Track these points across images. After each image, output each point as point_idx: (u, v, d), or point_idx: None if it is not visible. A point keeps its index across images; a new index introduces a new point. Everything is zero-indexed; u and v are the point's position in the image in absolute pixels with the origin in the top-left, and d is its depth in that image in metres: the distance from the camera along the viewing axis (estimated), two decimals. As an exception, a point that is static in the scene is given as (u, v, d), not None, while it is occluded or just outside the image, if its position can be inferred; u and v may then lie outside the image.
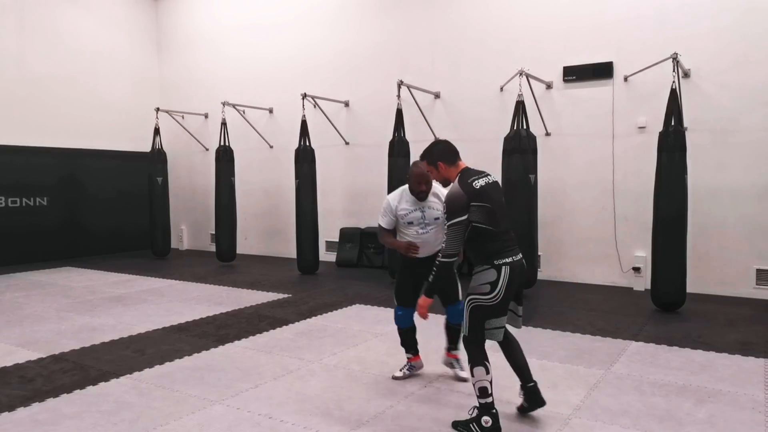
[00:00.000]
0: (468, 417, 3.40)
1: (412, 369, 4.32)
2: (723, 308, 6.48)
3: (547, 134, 8.14)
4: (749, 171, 6.98)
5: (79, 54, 11.17)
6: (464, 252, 3.47)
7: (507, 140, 7.10)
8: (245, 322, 5.96)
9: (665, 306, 6.32)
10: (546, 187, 7.79)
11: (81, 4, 11.22)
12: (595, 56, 7.80)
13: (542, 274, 8.10)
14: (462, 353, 3.95)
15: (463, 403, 3.80)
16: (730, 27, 7.01)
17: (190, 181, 12.20)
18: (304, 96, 9.02)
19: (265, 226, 11.05)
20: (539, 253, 8.00)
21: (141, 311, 6.52)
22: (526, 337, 5.33)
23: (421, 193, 4.02)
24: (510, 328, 3.56)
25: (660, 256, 6.27)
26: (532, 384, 3.51)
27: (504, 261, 3.28)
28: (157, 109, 10.89)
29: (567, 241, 8.17)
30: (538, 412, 3.63)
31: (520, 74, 7.22)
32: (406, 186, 4.12)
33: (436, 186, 4.04)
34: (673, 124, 6.24)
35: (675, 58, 6.41)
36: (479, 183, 3.38)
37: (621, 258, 7.75)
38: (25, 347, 5.12)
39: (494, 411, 3.29)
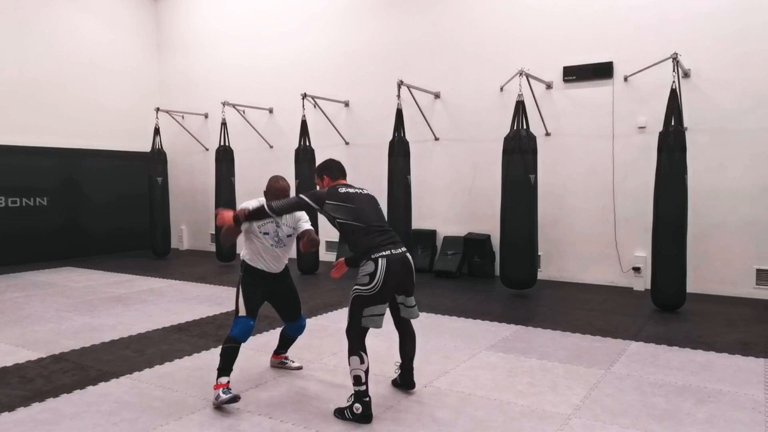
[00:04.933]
0: (346, 404, 3.57)
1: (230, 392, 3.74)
2: (723, 308, 6.48)
3: (547, 134, 8.14)
4: (749, 171, 6.98)
5: (79, 54, 11.17)
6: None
7: (507, 140, 7.10)
8: (245, 322, 5.95)
9: (665, 306, 6.32)
10: (546, 187, 7.79)
11: (81, 5, 11.22)
12: (595, 56, 7.80)
13: (542, 274, 8.10)
14: (289, 352, 4.50)
15: (463, 403, 3.81)
16: (730, 27, 7.01)
17: (190, 181, 12.20)
18: (304, 96, 9.02)
19: (265, 226, 11.03)
20: (539, 253, 8.00)
21: (141, 311, 6.51)
22: (526, 337, 5.34)
23: None
24: (414, 321, 3.95)
25: (660, 256, 6.27)
26: (408, 371, 3.95)
27: (381, 254, 3.53)
28: (157, 109, 10.89)
29: (567, 241, 8.16)
30: (538, 412, 3.64)
31: (520, 74, 7.22)
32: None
33: None
34: (673, 124, 6.24)
35: (675, 58, 6.41)
36: (343, 189, 3.75)
37: (621, 258, 7.75)
38: (25, 347, 5.12)
39: (366, 399, 3.47)
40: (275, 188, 4.01)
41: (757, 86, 6.89)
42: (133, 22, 12.14)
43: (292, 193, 4.31)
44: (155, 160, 10.88)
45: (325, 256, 10.04)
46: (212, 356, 4.83)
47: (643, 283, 7.44)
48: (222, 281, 8.34)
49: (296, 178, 8.99)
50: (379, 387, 4.09)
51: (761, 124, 6.89)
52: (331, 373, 4.40)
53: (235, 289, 4.01)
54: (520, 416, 3.60)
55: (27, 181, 10.27)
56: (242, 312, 3.88)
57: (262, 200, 3.95)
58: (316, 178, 4.06)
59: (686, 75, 7.18)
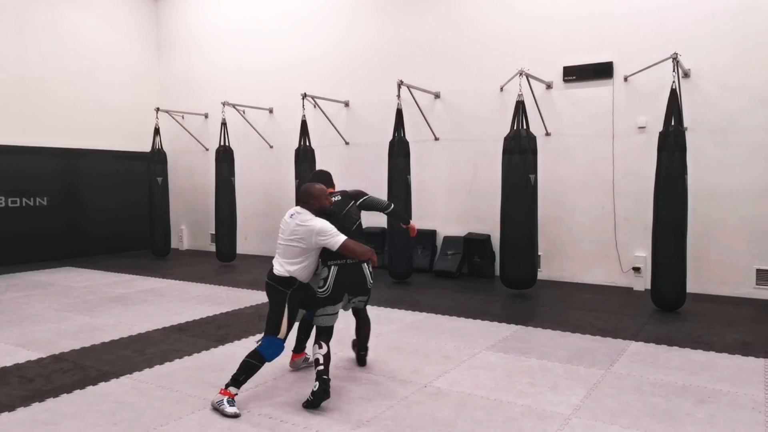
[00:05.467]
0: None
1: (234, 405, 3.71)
2: (723, 308, 6.48)
3: (547, 134, 8.13)
4: (749, 171, 6.98)
5: (79, 54, 11.17)
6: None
7: (507, 140, 7.10)
8: (245, 322, 5.96)
9: (665, 306, 6.32)
10: (546, 187, 7.79)
11: (81, 5, 11.21)
12: (595, 56, 7.80)
13: (542, 274, 8.09)
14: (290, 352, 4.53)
15: (463, 403, 3.81)
16: (730, 27, 7.01)
17: (190, 181, 12.20)
18: (304, 96, 9.02)
19: (265, 226, 11.04)
20: (539, 253, 8.01)
21: (141, 311, 6.51)
22: (526, 337, 5.35)
23: (329, 209, 4.05)
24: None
25: (660, 256, 6.27)
26: (363, 353, 4.54)
27: (335, 262, 4.00)
28: (157, 109, 10.89)
29: (567, 241, 8.16)
30: (538, 412, 3.65)
31: (520, 74, 7.22)
32: (306, 211, 3.93)
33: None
34: (673, 124, 6.24)
35: (675, 58, 6.41)
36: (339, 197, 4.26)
37: (621, 258, 7.75)
38: (25, 347, 5.12)
39: (325, 377, 3.78)
40: (315, 190, 3.97)
41: (757, 86, 6.88)
42: (133, 22, 12.13)
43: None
44: (155, 160, 10.88)
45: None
46: (212, 356, 4.84)
47: (643, 283, 7.44)
48: (222, 281, 8.34)
49: (296, 178, 9.00)
50: (380, 387, 4.10)
51: (761, 124, 6.89)
52: (332, 372, 4.40)
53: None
54: (520, 416, 3.60)
55: (27, 181, 10.27)
56: (283, 334, 3.87)
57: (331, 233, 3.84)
58: (327, 188, 4.35)
59: (686, 75, 7.18)
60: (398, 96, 8.09)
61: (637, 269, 7.54)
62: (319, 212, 3.93)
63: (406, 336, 5.39)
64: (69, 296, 7.35)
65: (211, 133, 11.62)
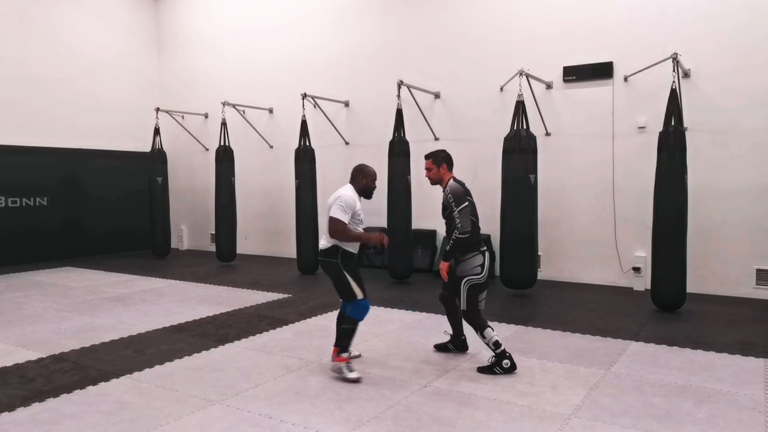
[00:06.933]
0: (488, 364, 4.33)
1: (354, 370, 4.29)
2: (723, 308, 6.48)
3: (547, 134, 8.13)
4: (749, 171, 6.98)
5: (79, 54, 11.17)
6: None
7: (507, 140, 7.10)
8: (245, 322, 5.96)
9: (665, 306, 6.32)
10: (546, 187, 7.79)
11: (81, 5, 11.22)
12: (595, 56, 7.80)
13: (542, 274, 8.10)
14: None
15: (463, 402, 3.81)
16: (730, 27, 7.01)
17: (190, 181, 12.20)
18: (304, 96, 9.01)
19: (265, 226, 11.05)
20: (539, 253, 8.00)
21: (141, 311, 6.51)
22: (526, 337, 5.35)
23: (373, 191, 4.56)
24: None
25: (660, 256, 6.27)
26: (463, 337, 4.84)
27: (484, 249, 4.44)
28: (157, 109, 10.89)
29: (567, 242, 8.16)
30: (538, 412, 3.65)
31: (520, 74, 7.22)
32: (350, 186, 4.45)
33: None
34: (673, 124, 6.24)
35: (675, 58, 6.41)
36: (466, 186, 4.57)
37: (621, 258, 7.75)
38: (25, 347, 5.12)
39: (508, 354, 4.32)
40: (368, 171, 4.53)
41: (757, 86, 6.88)
42: (134, 22, 12.14)
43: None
44: (155, 160, 10.89)
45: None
46: (212, 356, 4.84)
47: (643, 283, 7.44)
48: (222, 281, 8.34)
49: (296, 177, 8.99)
50: (380, 387, 4.10)
51: (761, 125, 6.89)
52: (332, 372, 4.40)
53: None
54: (520, 416, 3.60)
55: (27, 181, 10.27)
56: (360, 295, 4.27)
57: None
58: (430, 162, 4.62)
59: (686, 75, 7.18)
60: (398, 96, 8.09)
61: (637, 269, 7.54)
62: (363, 191, 4.46)
63: (406, 336, 5.39)
64: (69, 296, 7.35)
65: (211, 133, 11.62)
